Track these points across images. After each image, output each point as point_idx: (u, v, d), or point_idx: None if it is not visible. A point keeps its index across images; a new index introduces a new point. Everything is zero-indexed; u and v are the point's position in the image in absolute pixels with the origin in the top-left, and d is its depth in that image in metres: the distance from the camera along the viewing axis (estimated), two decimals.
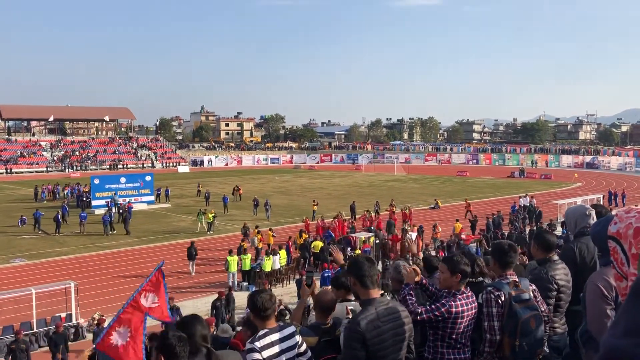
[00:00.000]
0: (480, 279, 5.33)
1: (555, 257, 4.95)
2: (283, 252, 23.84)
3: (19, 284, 21.12)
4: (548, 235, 5.12)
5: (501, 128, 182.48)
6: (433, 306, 4.28)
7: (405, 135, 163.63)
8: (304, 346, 4.00)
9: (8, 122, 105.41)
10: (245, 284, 22.58)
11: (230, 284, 21.95)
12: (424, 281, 4.63)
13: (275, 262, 22.90)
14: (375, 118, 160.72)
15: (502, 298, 4.32)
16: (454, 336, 4.26)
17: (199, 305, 19.53)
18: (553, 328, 4.83)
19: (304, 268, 23.46)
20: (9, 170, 78.85)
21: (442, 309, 4.19)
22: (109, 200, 39.79)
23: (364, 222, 32.37)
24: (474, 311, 4.32)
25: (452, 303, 4.26)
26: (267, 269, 22.56)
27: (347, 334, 3.70)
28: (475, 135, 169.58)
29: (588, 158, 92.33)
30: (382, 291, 4.22)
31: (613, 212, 2.88)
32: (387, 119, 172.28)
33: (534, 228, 27.76)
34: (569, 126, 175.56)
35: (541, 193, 51.69)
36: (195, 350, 3.66)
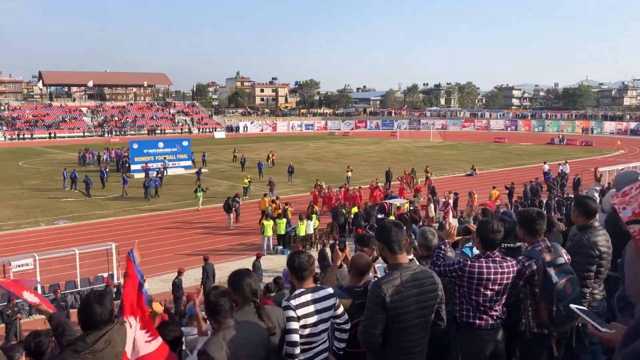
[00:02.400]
0: (519, 244, 5.27)
1: (597, 223, 4.83)
2: (314, 217, 24.12)
3: (63, 245, 21.92)
4: (589, 201, 4.99)
5: (541, 94, 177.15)
6: (450, 261, 4.33)
7: (442, 101, 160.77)
8: (341, 309, 4.04)
9: (50, 88, 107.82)
10: (280, 247, 22.92)
11: (266, 247, 22.35)
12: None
13: (309, 226, 23.12)
14: (412, 83, 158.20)
15: (534, 267, 4.30)
16: (480, 300, 4.24)
17: (235, 267, 19.92)
18: (592, 294, 4.75)
19: (337, 233, 23.65)
20: (52, 135, 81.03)
21: (456, 266, 4.24)
22: (160, 165, 40.79)
23: (371, 193, 30.55)
24: (508, 277, 4.27)
25: (469, 262, 4.25)
26: (301, 233, 22.79)
27: (369, 296, 3.75)
28: (515, 101, 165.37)
29: (632, 124, 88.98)
30: (412, 256, 4.23)
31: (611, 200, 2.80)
32: (423, 84, 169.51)
33: (571, 196, 27.19)
34: (613, 91, 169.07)
35: (581, 160, 50.39)
36: (244, 303, 3.75)
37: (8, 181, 39.97)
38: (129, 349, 3.44)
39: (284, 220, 23.39)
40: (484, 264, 4.22)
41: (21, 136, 79.25)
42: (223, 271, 19.10)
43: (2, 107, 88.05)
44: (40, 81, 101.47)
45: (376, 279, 4.16)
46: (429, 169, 37.82)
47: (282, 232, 23.13)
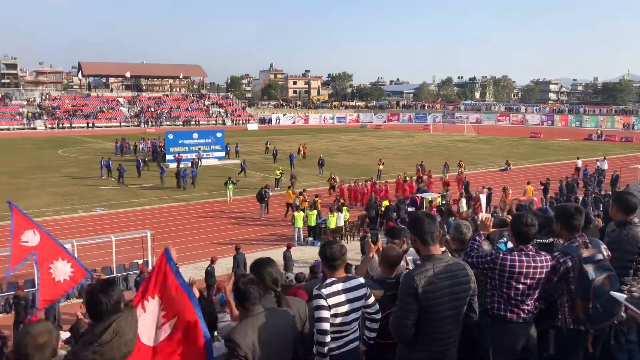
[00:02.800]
0: (552, 239, 5.19)
1: (636, 219, 4.73)
2: (345, 209, 24.17)
3: (100, 231, 22.45)
4: (629, 196, 4.88)
5: (580, 88, 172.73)
6: (482, 253, 4.31)
7: (477, 95, 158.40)
8: (372, 299, 4.07)
9: (88, 79, 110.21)
10: (310, 239, 23.04)
11: (296, 238, 22.49)
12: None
13: (340, 218, 23.16)
14: (446, 76, 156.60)
15: (569, 263, 4.23)
16: (511, 293, 4.20)
17: (258, 255, 20.10)
18: (630, 291, 4.66)
19: (368, 226, 23.63)
20: (90, 125, 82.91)
21: (488, 257, 4.23)
22: (195, 155, 41.36)
23: (397, 188, 30.79)
24: (541, 272, 4.22)
25: (501, 255, 4.22)
26: (332, 225, 22.85)
27: (401, 287, 3.75)
28: (552, 96, 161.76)
29: None
30: (444, 248, 4.22)
31: None
32: (458, 77, 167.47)
33: (609, 193, 26.54)
34: None
35: (620, 157, 49.07)
36: (265, 292, 3.81)
37: (48, 169, 41.12)
38: (145, 333, 3.35)
39: (315, 212, 23.49)
40: (517, 257, 4.18)
41: (61, 125, 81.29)
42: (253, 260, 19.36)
43: (43, 97, 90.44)
44: (80, 72, 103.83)
45: (408, 270, 4.16)
46: (462, 163, 37.38)
47: (313, 224, 23.24)
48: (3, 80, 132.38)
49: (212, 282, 16.08)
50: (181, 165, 37.08)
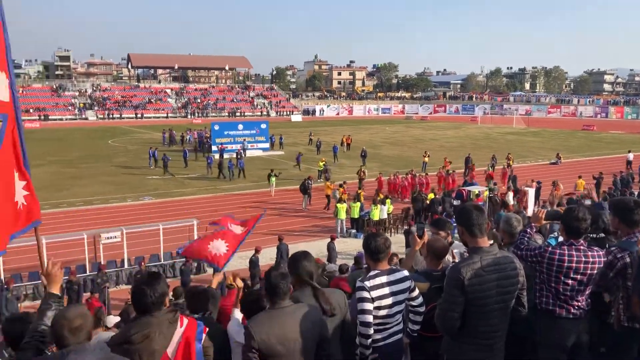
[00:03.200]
0: (602, 235, 5.03)
1: None
2: (388, 202, 24.00)
3: (148, 220, 23.04)
4: None
5: (637, 79, 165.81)
6: (532, 246, 4.21)
7: (527, 86, 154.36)
8: (417, 292, 4.02)
9: (137, 70, 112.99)
10: (353, 231, 22.98)
11: (339, 230, 22.47)
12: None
13: (383, 211, 23.00)
14: (495, 67, 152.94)
15: (627, 259, 4.09)
16: (560, 288, 4.08)
17: (309, 248, 20.17)
18: None
19: (412, 219, 23.39)
20: (138, 115, 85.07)
21: (536, 251, 4.13)
22: (239, 146, 41.91)
23: (439, 181, 30.07)
24: (593, 267, 4.06)
25: (550, 248, 4.11)
26: (375, 217, 22.72)
27: (447, 280, 3.69)
28: (606, 87, 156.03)
29: None
30: (492, 241, 4.13)
31: None
32: (507, 68, 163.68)
33: None
34: None
35: None
36: (301, 285, 3.79)
37: (99, 158, 42.44)
38: (172, 349, 3.22)
39: (358, 204, 23.40)
40: (566, 252, 4.05)
41: (111, 116, 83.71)
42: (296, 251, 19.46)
43: (94, 88, 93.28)
44: (129, 63, 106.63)
45: (454, 263, 4.08)
46: (511, 157, 36.46)
47: (356, 216, 23.17)
48: (57, 72, 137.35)
49: (257, 272, 16.27)
50: (225, 156, 37.60)
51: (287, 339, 3.37)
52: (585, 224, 4.08)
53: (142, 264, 16.44)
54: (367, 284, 3.84)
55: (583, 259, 4.04)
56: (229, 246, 6.20)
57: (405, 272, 4.04)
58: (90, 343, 2.94)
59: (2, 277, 16.02)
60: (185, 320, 3.28)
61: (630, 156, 37.37)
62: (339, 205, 22.92)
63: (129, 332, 3.11)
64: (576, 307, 4.10)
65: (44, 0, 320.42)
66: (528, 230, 4.37)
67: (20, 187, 4.69)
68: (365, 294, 3.80)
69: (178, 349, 3.15)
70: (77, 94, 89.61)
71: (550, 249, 4.10)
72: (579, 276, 4.04)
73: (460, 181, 30.79)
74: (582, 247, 4.08)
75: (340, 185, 26.42)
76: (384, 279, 3.88)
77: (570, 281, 4.04)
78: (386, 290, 3.85)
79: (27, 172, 4.80)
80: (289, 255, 4.03)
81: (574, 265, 4.02)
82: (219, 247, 6.06)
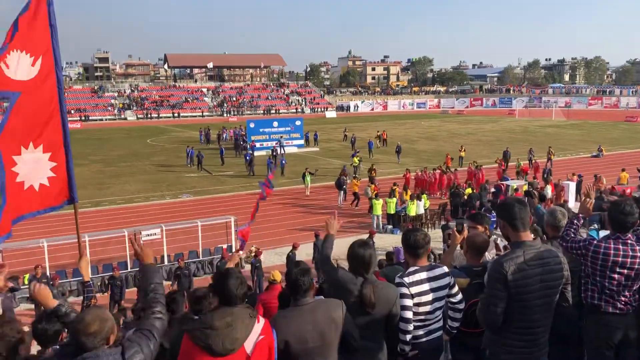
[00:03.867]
0: None
1: None
2: (425, 197, 23.76)
3: (186, 217, 23.43)
4: None
5: None
6: (577, 238, 4.13)
7: (567, 77, 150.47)
8: (456, 288, 3.97)
9: (174, 70, 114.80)
10: (389, 226, 22.85)
11: (375, 226, 22.38)
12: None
13: (420, 206, 22.80)
14: (533, 59, 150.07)
15: None
16: (605, 283, 3.98)
17: (345, 244, 20.16)
18: None
19: (450, 214, 23.13)
20: (176, 114, 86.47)
21: (581, 243, 4.05)
22: (275, 143, 42.26)
23: (469, 176, 28.74)
24: None
25: (595, 242, 4.02)
26: (412, 213, 22.55)
27: (490, 273, 3.64)
28: None
29: None
30: (534, 235, 4.07)
31: None
32: (546, 60, 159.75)
33: None
34: None
35: None
36: (355, 273, 3.85)
37: (138, 157, 43.35)
38: (250, 343, 3.20)
39: (394, 199, 23.26)
40: (612, 246, 3.95)
41: (149, 115, 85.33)
42: (334, 247, 19.45)
43: (132, 89, 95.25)
44: (166, 64, 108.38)
45: (497, 257, 4.02)
46: (552, 151, 35.35)
47: (392, 212, 23.05)
48: (96, 74, 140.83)
49: (293, 262, 16.36)
50: (257, 153, 37.86)
51: (304, 339, 3.36)
52: (632, 218, 3.97)
53: (182, 260, 16.73)
54: (407, 280, 3.82)
55: (630, 253, 3.93)
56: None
57: (445, 268, 4.00)
58: (106, 349, 2.86)
59: (48, 273, 16.53)
60: (262, 320, 3.30)
61: None
62: (375, 201, 22.83)
63: (212, 318, 3.14)
64: (623, 303, 3.99)
65: (82, 3, 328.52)
66: (575, 221, 4.26)
67: (47, 168, 4.81)
68: (405, 290, 3.79)
69: (256, 346, 3.16)
70: (116, 94, 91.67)
71: (595, 242, 4.01)
72: (625, 271, 3.93)
73: (490, 176, 30.05)
74: (629, 241, 3.97)
75: (371, 182, 26.23)
76: (423, 275, 3.85)
77: (616, 275, 3.94)
78: (426, 287, 3.83)
79: (66, 155, 5.01)
80: (352, 243, 4.01)
81: (619, 259, 3.92)
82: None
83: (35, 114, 4.86)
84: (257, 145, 43.14)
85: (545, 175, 28.76)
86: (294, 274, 3.51)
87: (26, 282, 16.53)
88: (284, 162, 35.36)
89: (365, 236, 18.49)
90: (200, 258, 18.92)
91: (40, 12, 4.96)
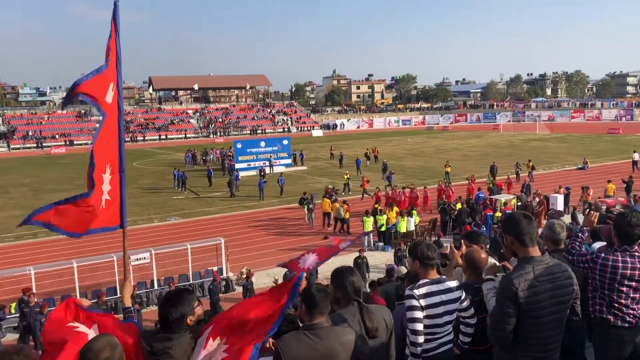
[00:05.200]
0: None
1: None
2: (414, 213, 23.79)
3: (175, 240, 23.16)
4: None
5: None
6: (584, 252, 4.09)
7: (549, 92, 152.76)
8: (467, 302, 3.94)
9: (159, 92, 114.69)
10: (380, 244, 22.79)
11: (366, 243, 22.29)
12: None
13: (410, 223, 22.79)
14: (515, 74, 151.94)
15: None
16: (614, 296, 3.94)
17: (337, 263, 20.03)
18: None
19: (441, 230, 23.13)
20: (162, 137, 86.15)
21: (588, 256, 4.01)
22: (262, 163, 42.21)
23: (439, 193, 28.44)
24: None
25: (602, 254, 3.97)
26: (402, 229, 22.52)
27: (499, 291, 3.57)
28: (630, 89, 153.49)
29: None
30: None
31: None
32: (527, 75, 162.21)
33: None
34: None
35: None
36: (347, 301, 3.70)
37: (125, 181, 42.87)
38: None
39: (384, 216, 23.23)
40: (620, 258, 3.91)
41: (134, 138, 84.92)
42: (324, 266, 19.27)
43: None
44: (150, 86, 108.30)
45: (506, 273, 3.95)
46: (532, 164, 35.69)
47: (383, 229, 23.00)
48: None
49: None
50: (245, 173, 37.76)
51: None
52: (639, 229, 3.94)
53: (172, 284, 16.50)
54: (417, 292, 3.79)
55: (638, 265, 3.89)
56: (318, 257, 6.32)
57: (456, 282, 3.97)
58: None
59: (37, 301, 16.20)
60: (217, 343, 3.23)
61: (636, 156, 37.60)
62: (365, 218, 22.78)
63: (150, 344, 3.16)
64: (631, 316, 3.94)
65: (65, 27, 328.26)
66: (580, 234, 4.23)
67: (105, 189, 5.11)
68: (415, 302, 3.76)
69: None
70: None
71: (602, 254, 3.97)
72: (634, 283, 3.89)
73: (459, 192, 29.62)
74: (636, 254, 3.94)
75: (344, 202, 25.94)
76: (433, 287, 3.82)
77: (624, 288, 3.90)
78: (436, 299, 3.80)
79: (120, 180, 5.36)
80: (333, 271, 3.88)
81: (628, 272, 3.88)
82: (306, 259, 6.16)
83: (110, 137, 5.29)
84: (245, 165, 43.07)
85: (524, 190, 28.85)
86: (315, 290, 3.42)
87: (13, 310, 16.20)
88: (282, 181, 34.64)
89: (355, 255, 18.40)
90: (191, 281, 18.66)
91: (112, 37, 5.31)
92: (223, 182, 38.18)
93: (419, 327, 3.73)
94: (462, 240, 5.21)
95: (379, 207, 24.28)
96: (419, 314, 3.73)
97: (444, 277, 3.99)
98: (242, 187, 35.96)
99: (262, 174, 38.43)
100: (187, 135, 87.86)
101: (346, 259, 18.59)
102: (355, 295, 3.71)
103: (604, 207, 20.01)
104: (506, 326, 3.47)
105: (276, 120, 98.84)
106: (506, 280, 3.52)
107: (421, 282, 3.85)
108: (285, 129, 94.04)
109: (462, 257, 4.76)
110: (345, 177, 34.33)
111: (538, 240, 5.18)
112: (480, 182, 32.20)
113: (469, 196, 27.38)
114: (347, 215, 24.45)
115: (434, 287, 3.82)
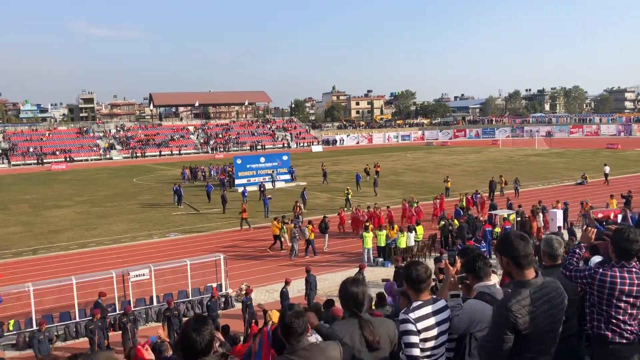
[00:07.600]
0: None
1: None
2: (420, 229, 23.75)
3: (175, 256, 23.10)
4: None
5: None
6: (581, 267, 4.08)
7: (547, 107, 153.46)
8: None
9: (159, 109, 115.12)
10: (380, 259, 22.75)
11: (366, 259, 22.25)
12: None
13: (410, 238, 22.78)
14: (513, 89, 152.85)
15: None
16: (612, 312, 3.93)
17: (337, 278, 19.98)
18: None
19: (441, 246, 23.11)
20: (162, 153, 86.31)
21: (586, 272, 4.00)
22: (262, 179, 42.33)
23: (403, 213, 28.48)
24: None
25: (600, 270, 3.96)
26: (402, 245, 22.50)
27: (496, 318, 3.46)
28: (628, 104, 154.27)
29: None
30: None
31: None
32: (526, 90, 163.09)
33: None
34: None
35: None
36: (349, 313, 3.72)
37: (124, 196, 42.99)
38: None
39: (384, 232, 23.22)
40: (618, 274, 3.91)
41: (135, 155, 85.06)
42: (324, 282, 19.33)
43: (118, 128, 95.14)
44: (151, 103, 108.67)
45: (503, 298, 3.93)
46: (503, 179, 36.10)
47: (382, 244, 22.98)
48: (81, 114, 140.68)
49: (287, 304, 16.12)
50: (243, 189, 37.77)
51: None
52: (637, 245, 3.93)
53: (171, 300, 16.43)
54: (412, 315, 3.67)
55: (636, 281, 3.89)
56: None
57: (444, 302, 3.91)
58: None
59: (35, 319, 16.14)
60: None
61: (607, 169, 39.49)
62: (365, 233, 22.76)
63: None
64: (629, 332, 3.94)
65: (66, 44, 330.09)
66: (577, 250, 4.23)
67: None
68: (411, 327, 3.63)
69: None
70: (101, 134, 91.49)
71: (600, 270, 3.96)
72: (631, 299, 3.88)
73: (426, 210, 29.12)
74: (634, 269, 3.93)
75: (284, 222, 25.45)
76: (428, 309, 3.74)
77: (622, 304, 3.89)
78: (432, 321, 3.71)
79: None
80: (342, 282, 3.88)
81: (626, 288, 3.87)
82: None
83: None
84: (245, 181, 43.09)
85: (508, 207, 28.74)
86: (288, 317, 3.36)
87: (11, 327, 16.13)
88: (267, 201, 33.90)
89: (355, 270, 18.35)
90: (190, 298, 18.56)
91: None
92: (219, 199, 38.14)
93: (416, 352, 3.63)
94: (456, 257, 5.20)
95: (370, 225, 23.95)
96: (415, 339, 3.63)
97: (435, 297, 3.93)
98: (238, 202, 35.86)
99: (262, 189, 38.44)
100: (181, 152, 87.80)
101: (345, 274, 18.54)
102: (354, 308, 3.70)
103: (600, 216, 20.01)
104: (501, 352, 3.41)
105: (276, 136, 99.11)
106: (504, 308, 3.39)
107: (415, 304, 3.76)
108: (285, 145, 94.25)
109: (457, 273, 4.78)
110: (346, 192, 34.40)
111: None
112: (451, 201, 32.18)
113: (469, 212, 27.42)
114: (312, 236, 24.10)
115: (429, 309, 3.74)
